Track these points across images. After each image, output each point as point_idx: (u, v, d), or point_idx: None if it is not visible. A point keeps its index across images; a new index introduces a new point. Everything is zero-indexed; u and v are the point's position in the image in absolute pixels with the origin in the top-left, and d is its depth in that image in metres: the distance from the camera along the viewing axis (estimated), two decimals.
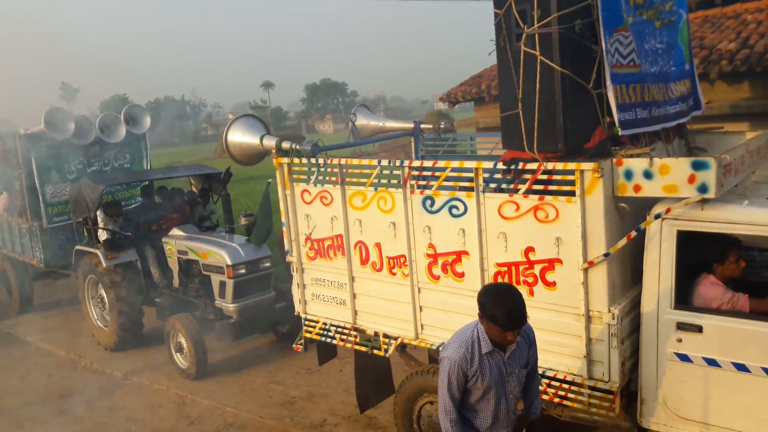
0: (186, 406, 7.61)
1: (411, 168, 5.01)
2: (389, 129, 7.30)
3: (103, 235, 9.48)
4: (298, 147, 5.65)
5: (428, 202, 4.96)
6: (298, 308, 6.21)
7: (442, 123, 7.08)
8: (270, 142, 5.99)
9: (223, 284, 8.48)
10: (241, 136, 6.27)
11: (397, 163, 5.09)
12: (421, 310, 5.20)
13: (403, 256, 5.19)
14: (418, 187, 4.97)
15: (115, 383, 8.69)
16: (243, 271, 8.41)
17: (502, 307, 3.37)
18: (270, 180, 8.65)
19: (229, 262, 8.34)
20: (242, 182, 26.10)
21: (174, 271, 9.43)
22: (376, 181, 5.25)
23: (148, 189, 10.86)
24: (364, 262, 5.52)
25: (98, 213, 9.44)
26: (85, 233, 9.98)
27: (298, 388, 7.62)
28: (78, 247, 9.98)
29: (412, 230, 5.07)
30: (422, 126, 7.22)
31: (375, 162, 5.25)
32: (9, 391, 8.75)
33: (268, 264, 8.70)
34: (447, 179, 4.80)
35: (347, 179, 5.44)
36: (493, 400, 3.65)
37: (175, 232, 9.44)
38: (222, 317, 8.61)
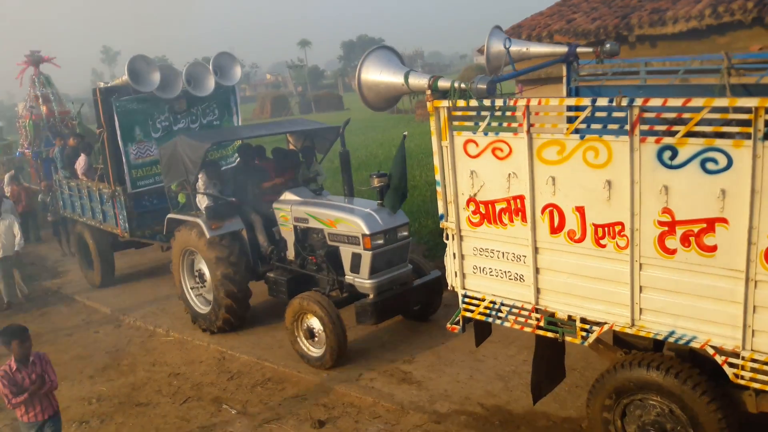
0: (226, 361, 7.78)
1: (644, 108, 3.91)
2: (534, 55, 5.72)
3: (203, 201, 8.36)
4: (464, 85, 4.63)
5: (667, 154, 3.87)
6: (452, 282, 5.31)
7: (607, 44, 5.56)
8: (419, 81, 4.95)
9: (356, 257, 7.25)
10: (378, 75, 5.18)
11: (623, 102, 3.95)
12: (641, 290, 4.23)
13: (620, 223, 4.18)
14: (652, 133, 3.95)
15: (157, 339, 8.87)
16: (381, 241, 7.16)
17: None
18: (405, 133, 7.65)
19: (367, 231, 7.07)
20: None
21: (288, 242, 8.19)
22: (582, 126, 4.26)
23: (247, 148, 9.35)
24: (555, 230, 4.54)
25: (200, 176, 8.32)
26: (180, 199, 8.93)
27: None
28: (171, 215, 8.84)
29: (637, 191, 4.05)
30: (578, 50, 5.75)
31: (586, 101, 4.21)
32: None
33: (405, 233, 7.50)
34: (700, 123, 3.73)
35: (533, 125, 4.46)
36: None
37: (289, 196, 8.20)
38: (352, 294, 7.51)
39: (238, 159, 9.79)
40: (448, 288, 5.39)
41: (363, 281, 7.23)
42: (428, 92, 4.82)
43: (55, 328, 9.63)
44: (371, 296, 7.20)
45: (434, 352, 7.23)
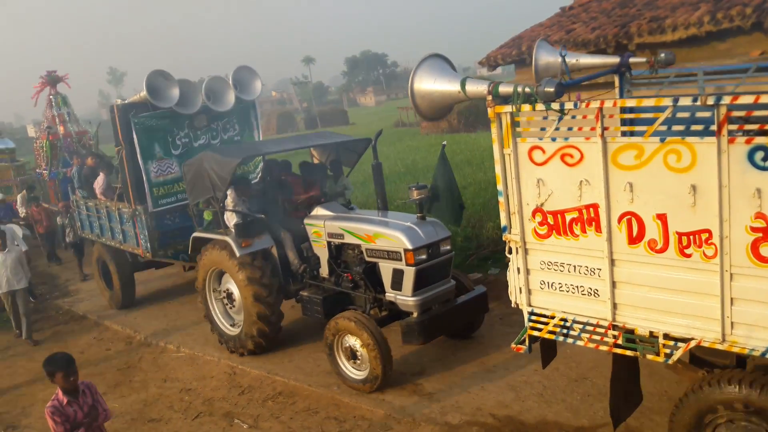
0: (236, 376, 7.77)
1: (732, 107, 3.67)
2: (585, 66, 5.55)
3: (232, 219, 7.97)
4: (528, 89, 4.33)
5: (759, 155, 3.62)
6: (516, 299, 5.03)
7: (662, 54, 5.45)
8: (478, 88, 4.69)
9: (398, 273, 6.80)
10: (431, 83, 4.94)
11: (708, 101, 3.70)
12: (732, 303, 3.97)
13: (707, 231, 3.91)
14: (743, 133, 3.70)
15: (168, 356, 8.85)
16: (424, 256, 6.71)
17: None
18: (444, 142, 7.36)
19: (409, 246, 6.62)
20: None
21: (321, 258, 7.78)
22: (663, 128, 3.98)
23: (274, 163, 9.07)
24: (634, 240, 4.25)
25: (229, 192, 7.92)
26: (206, 217, 8.61)
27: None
28: (197, 233, 8.48)
29: (726, 195, 3.79)
30: (631, 60, 5.53)
31: (666, 101, 3.92)
32: None
33: (448, 247, 7.06)
34: None
35: (608, 128, 4.20)
36: None
37: (321, 211, 7.81)
38: (393, 313, 7.11)
39: (260, 174, 9.52)
40: (512, 305, 5.10)
41: (406, 299, 6.80)
42: (489, 98, 4.59)
43: (68, 346, 9.41)
44: (415, 314, 6.78)
45: (444, 363, 7.12)
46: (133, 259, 10.67)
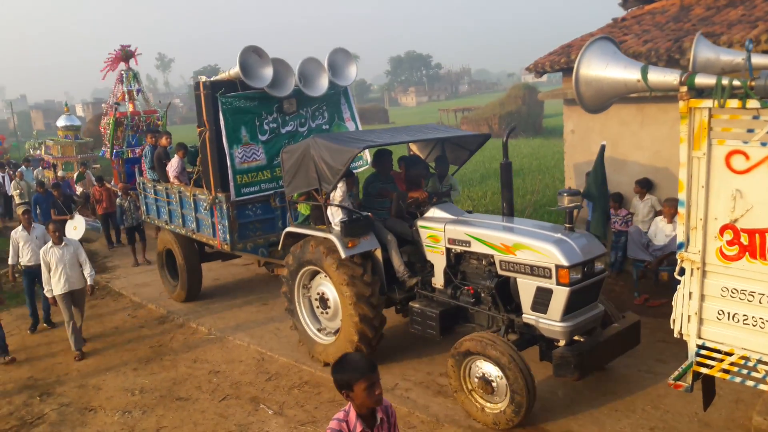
0: (265, 362, 7.84)
1: None
2: (759, 66, 4.60)
3: (337, 215, 7.16)
4: (737, 82, 3.73)
5: None
6: (681, 329, 4.42)
7: None
8: (664, 77, 4.06)
9: (544, 293, 5.79)
10: (602, 69, 4.35)
11: None
12: None
13: None
14: None
15: (199, 337, 8.99)
16: (579, 275, 5.69)
17: None
18: (604, 142, 6.65)
19: (564, 263, 5.58)
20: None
21: (437, 266, 6.89)
22: None
23: (386, 156, 7.93)
24: None
25: (340, 185, 7.07)
26: (303, 210, 7.89)
27: (372, 353, 7.25)
28: (291, 228, 7.65)
29: None
30: None
31: None
32: None
33: (602, 265, 6.02)
34: None
35: None
36: None
37: (438, 213, 6.98)
38: (526, 337, 6.21)
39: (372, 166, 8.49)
40: (674, 335, 4.51)
41: (551, 323, 5.76)
42: (682, 90, 3.99)
43: (103, 321, 9.81)
44: (561, 342, 5.83)
45: None
46: (200, 249, 10.24)
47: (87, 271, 8.46)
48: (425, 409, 6.26)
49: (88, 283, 8.50)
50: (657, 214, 8.85)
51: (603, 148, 6.58)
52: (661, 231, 8.61)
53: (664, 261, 8.36)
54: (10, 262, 9.14)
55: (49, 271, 8.28)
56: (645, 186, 8.98)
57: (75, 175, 18.32)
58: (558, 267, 5.61)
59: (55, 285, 8.28)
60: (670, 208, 8.37)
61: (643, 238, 8.66)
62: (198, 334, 8.98)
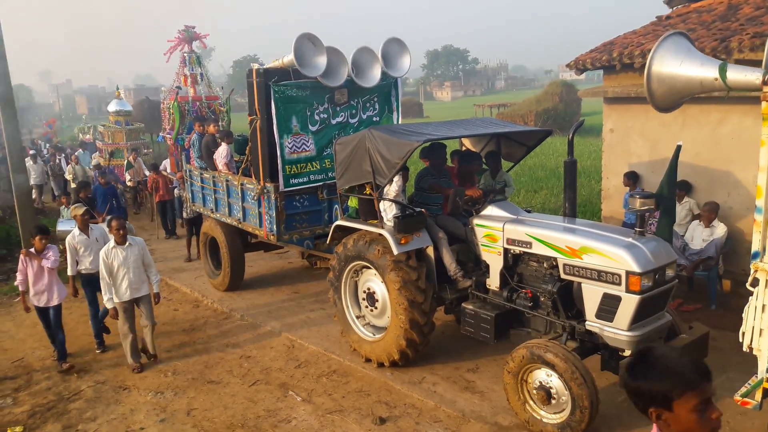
0: (295, 349, 7.95)
1: None
2: None
3: (390, 210, 6.84)
4: None
5: None
6: (752, 343, 4.22)
7: None
8: (746, 76, 3.85)
9: (611, 300, 5.49)
10: (677, 66, 4.16)
11: None
12: None
13: None
14: None
15: (232, 322, 9.12)
16: (650, 283, 5.36)
17: None
18: (680, 143, 6.32)
19: (636, 269, 5.25)
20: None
21: (493, 267, 6.61)
22: None
23: (440, 150, 7.63)
24: None
25: (396, 179, 6.79)
26: (353, 204, 7.65)
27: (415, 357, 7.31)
28: (341, 222, 7.46)
29: None
30: None
31: None
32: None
33: (673, 273, 5.68)
34: None
35: None
36: None
37: (495, 211, 6.69)
38: (587, 345, 5.93)
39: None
40: (744, 349, 4.32)
41: (617, 332, 5.45)
42: (765, 90, 3.80)
43: None
44: (627, 352, 5.50)
45: (499, 363, 6.91)
46: (244, 239, 10.14)
47: (152, 275, 7.55)
48: (452, 404, 6.26)
49: (154, 290, 7.58)
50: (695, 217, 8.67)
51: (679, 148, 6.22)
52: (698, 235, 8.42)
53: (699, 266, 8.18)
54: (69, 273, 7.81)
55: (110, 276, 7.32)
56: (684, 188, 8.80)
57: (125, 163, 18.02)
58: (629, 273, 5.31)
59: (116, 291, 7.35)
60: (708, 212, 8.20)
61: (679, 242, 8.49)
62: (230, 319, 9.06)
